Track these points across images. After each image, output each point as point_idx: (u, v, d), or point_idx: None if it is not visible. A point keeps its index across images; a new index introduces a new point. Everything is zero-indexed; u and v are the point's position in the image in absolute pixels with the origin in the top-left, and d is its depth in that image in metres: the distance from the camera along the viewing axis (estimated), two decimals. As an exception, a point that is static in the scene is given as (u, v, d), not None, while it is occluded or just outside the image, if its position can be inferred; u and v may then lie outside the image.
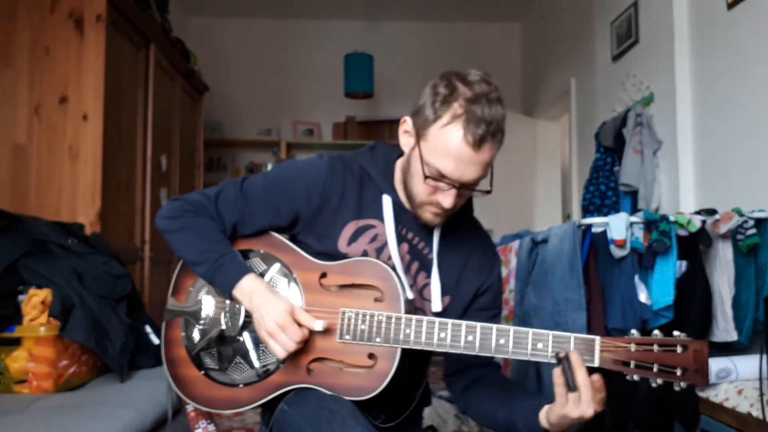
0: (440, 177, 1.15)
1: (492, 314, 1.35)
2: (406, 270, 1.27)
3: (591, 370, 1.06)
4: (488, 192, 1.20)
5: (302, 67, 5.63)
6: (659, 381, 1.03)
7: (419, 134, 1.18)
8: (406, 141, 1.24)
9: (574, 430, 1.13)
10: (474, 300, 1.34)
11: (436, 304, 1.27)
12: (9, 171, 2.56)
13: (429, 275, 1.28)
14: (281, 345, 1.15)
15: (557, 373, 1.06)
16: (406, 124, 1.23)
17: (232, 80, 5.51)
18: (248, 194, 1.29)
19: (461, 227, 1.34)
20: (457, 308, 1.32)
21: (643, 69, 3.25)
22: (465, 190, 1.17)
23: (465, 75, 1.15)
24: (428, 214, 1.23)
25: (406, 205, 1.27)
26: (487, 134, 1.10)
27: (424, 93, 1.18)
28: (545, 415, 1.12)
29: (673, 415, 2.05)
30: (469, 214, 1.37)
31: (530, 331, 1.09)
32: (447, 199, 1.17)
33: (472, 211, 1.38)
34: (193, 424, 1.37)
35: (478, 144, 1.10)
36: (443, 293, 1.29)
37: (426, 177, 1.16)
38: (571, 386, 1.04)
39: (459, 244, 1.32)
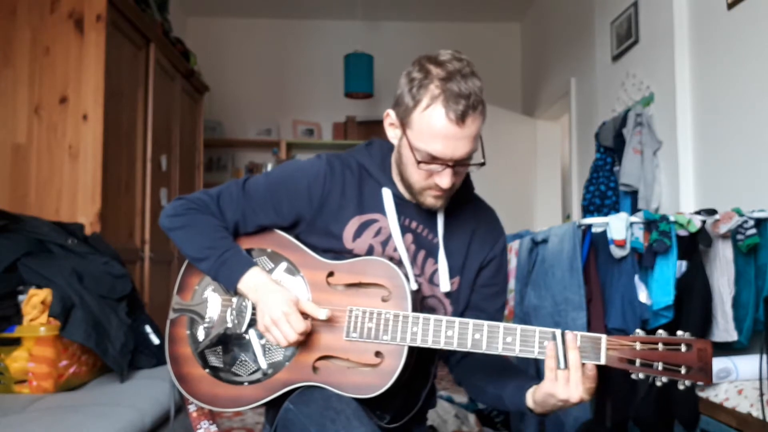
0: (432, 159, 1.16)
1: (495, 291, 1.34)
2: (413, 260, 1.28)
3: (596, 368, 1.07)
4: (482, 164, 1.21)
5: (302, 67, 5.63)
6: (664, 379, 1.04)
7: (403, 123, 1.19)
8: (393, 133, 1.25)
9: (549, 414, 1.16)
10: (478, 275, 1.34)
11: (445, 285, 1.28)
12: (9, 171, 2.56)
13: (437, 261, 1.29)
14: (283, 333, 1.15)
15: (550, 347, 1.07)
16: (390, 117, 1.24)
17: (232, 80, 5.51)
18: (250, 193, 1.30)
19: (464, 207, 1.34)
20: (466, 287, 1.32)
21: (643, 69, 3.25)
22: (459, 167, 1.18)
23: (435, 56, 1.16)
24: (430, 199, 1.24)
25: (406, 196, 1.28)
26: (468, 108, 1.11)
27: (400, 83, 1.19)
28: (532, 393, 1.14)
29: (673, 415, 2.05)
30: (470, 194, 1.38)
31: (537, 329, 1.10)
32: (444, 179, 1.18)
33: (473, 189, 1.39)
34: (195, 424, 1.37)
35: (461, 119, 1.11)
36: (453, 275, 1.30)
37: (419, 162, 1.17)
38: (562, 363, 1.06)
39: (463, 224, 1.33)
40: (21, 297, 1.85)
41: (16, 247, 1.93)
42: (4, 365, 1.77)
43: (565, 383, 1.06)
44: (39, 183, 2.56)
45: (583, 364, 1.06)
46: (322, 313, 1.17)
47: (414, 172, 1.20)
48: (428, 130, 1.14)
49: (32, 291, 1.82)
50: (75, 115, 2.57)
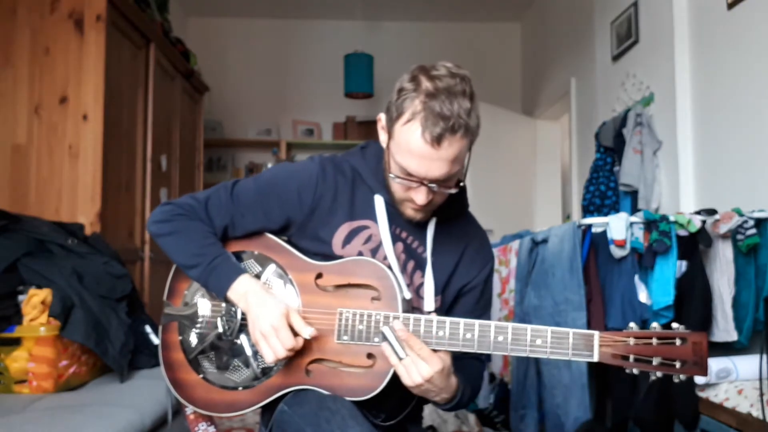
0: (406, 175, 1.14)
1: (476, 315, 1.33)
2: (402, 269, 1.26)
3: (590, 364, 1.08)
4: (458, 189, 1.19)
5: (302, 67, 5.63)
6: (659, 374, 1.03)
7: (389, 132, 1.18)
8: (383, 138, 1.23)
9: (453, 402, 1.20)
10: (458, 299, 1.33)
11: (429, 304, 1.26)
12: (9, 171, 2.56)
13: (424, 274, 1.28)
14: (272, 349, 1.14)
15: (385, 347, 1.11)
16: (381, 121, 1.23)
17: (232, 80, 5.51)
18: (239, 198, 1.28)
19: (456, 224, 1.33)
20: (445, 306, 1.31)
21: (643, 69, 3.25)
22: (437, 186, 1.15)
23: (430, 68, 1.13)
24: (409, 211, 1.22)
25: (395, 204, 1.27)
26: (446, 131, 1.07)
27: (393, 89, 1.16)
28: None
29: (673, 415, 2.05)
30: (464, 211, 1.36)
31: (529, 327, 1.10)
32: (419, 196, 1.16)
33: (467, 207, 1.37)
34: (193, 426, 1.36)
35: (436, 141, 1.08)
36: (437, 292, 1.28)
37: (394, 176, 1.16)
38: (401, 354, 1.10)
39: (453, 241, 1.31)
40: (21, 297, 1.85)
41: (16, 247, 1.93)
42: (4, 365, 1.77)
43: (411, 366, 1.10)
44: (39, 183, 2.56)
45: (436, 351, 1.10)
46: (306, 332, 1.15)
47: (393, 183, 1.19)
48: (405, 146, 1.12)
49: (32, 291, 1.82)
50: (75, 115, 2.57)
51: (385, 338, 1.10)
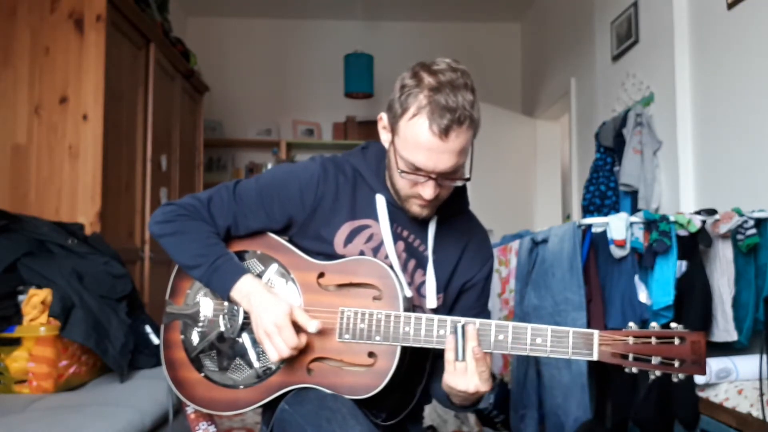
0: (415, 170, 1.15)
1: (474, 313, 1.33)
2: (404, 268, 1.27)
3: (590, 364, 1.09)
4: (467, 179, 1.21)
5: (302, 67, 5.63)
6: (657, 373, 1.04)
7: (393, 129, 1.19)
8: (385, 137, 1.25)
9: (469, 408, 1.20)
10: (460, 296, 1.34)
11: (431, 302, 1.27)
12: (9, 171, 2.56)
13: (426, 272, 1.28)
14: (276, 348, 1.15)
15: (450, 339, 1.12)
16: (382, 121, 1.24)
17: (232, 80, 5.51)
18: (241, 198, 1.28)
19: (457, 222, 1.34)
20: (448, 303, 1.32)
21: (643, 69, 3.25)
22: (444, 179, 1.17)
23: (430, 64, 1.15)
24: (415, 207, 1.23)
25: (399, 203, 1.27)
26: (453, 122, 1.10)
27: (394, 87, 1.18)
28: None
29: (673, 415, 2.05)
30: (464, 208, 1.37)
31: (529, 326, 1.11)
32: (427, 190, 1.17)
33: (468, 204, 1.38)
34: (194, 426, 1.37)
35: (444, 133, 1.10)
36: (439, 290, 1.29)
37: (402, 171, 1.16)
38: (460, 355, 1.10)
39: (454, 239, 1.32)
40: (21, 297, 1.85)
41: (16, 247, 1.93)
42: (4, 365, 1.77)
43: (463, 374, 1.10)
44: (39, 183, 2.56)
45: (487, 354, 1.11)
46: (312, 326, 1.16)
47: (399, 179, 1.20)
48: (412, 141, 1.13)
49: (32, 291, 1.82)
50: (75, 115, 2.57)
51: (455, 332, 1.11)
